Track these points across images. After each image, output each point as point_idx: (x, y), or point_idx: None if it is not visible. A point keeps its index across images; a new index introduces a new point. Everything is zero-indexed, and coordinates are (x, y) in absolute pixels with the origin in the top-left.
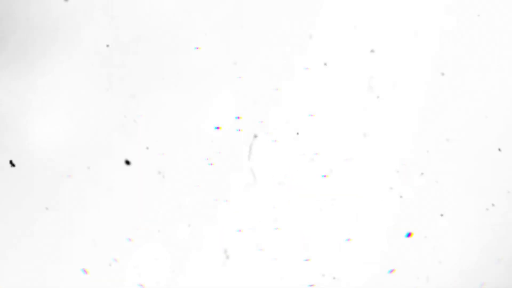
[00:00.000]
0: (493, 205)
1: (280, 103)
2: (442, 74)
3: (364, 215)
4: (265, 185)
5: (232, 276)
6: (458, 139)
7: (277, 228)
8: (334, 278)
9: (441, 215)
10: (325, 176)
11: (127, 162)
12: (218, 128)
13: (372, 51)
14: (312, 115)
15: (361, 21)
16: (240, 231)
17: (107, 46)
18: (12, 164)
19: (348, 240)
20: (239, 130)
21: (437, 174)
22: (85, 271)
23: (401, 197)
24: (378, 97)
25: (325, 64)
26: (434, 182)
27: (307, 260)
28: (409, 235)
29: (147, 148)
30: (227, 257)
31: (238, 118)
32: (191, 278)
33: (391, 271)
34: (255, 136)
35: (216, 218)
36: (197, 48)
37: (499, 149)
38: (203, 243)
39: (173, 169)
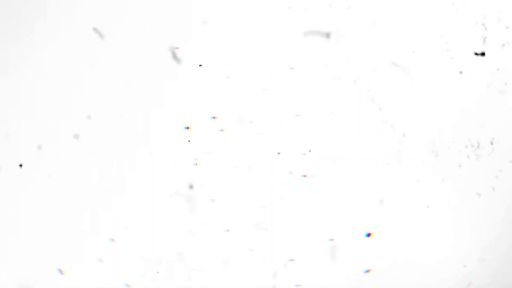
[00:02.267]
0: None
1: (267, 103)
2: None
3: (348, 215)
4: (253, 183)
5: (222, 275)
6: (455, 141)
7: (266, 228)
8: (318, 277)
9: (427, 209)
10: (305, 176)
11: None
12: (188, 128)
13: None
14: (298, 115)
15: (356, 21)
16: (228, 231)
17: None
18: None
19: (331, 240)
20: (222, 130)
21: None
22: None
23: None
24: (370, 97)
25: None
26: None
27: (292, 260)
28: (368, 235)
29: (135, 148)
30: (215, 256)
31: (214, 118)
32: (179, 277)
33: (367, 271)
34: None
35: (203, 218)
36: (177, 48)
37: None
38: (191, 243)
39: (160, 169)
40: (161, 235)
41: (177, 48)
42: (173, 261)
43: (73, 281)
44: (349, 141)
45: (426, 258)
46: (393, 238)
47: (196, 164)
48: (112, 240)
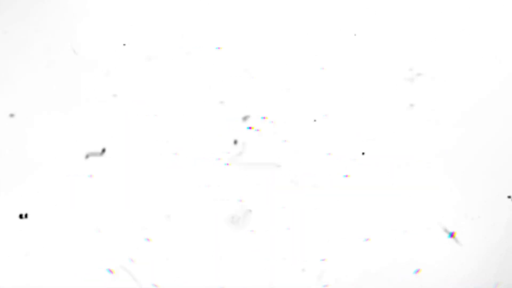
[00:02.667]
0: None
1: (292, 103)
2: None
3: (381, 214)
4: (278, 184)
5: (246, 275)
6: (473, 137)
7: (289, 228)
8: (350, 278)
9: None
10: (346, 176)
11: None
12: (250, 128)
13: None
14: (326, 115)
15: (370, 22)
16: (252, 231)
17: (124, 44)
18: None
19: (367, 240)
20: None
21: (449, 170)
22: (110, 271)
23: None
24: (390, 95)
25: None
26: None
27: (323, 260)
28: (452, 234)
29: (160, 148)
30: (240, 256)
31: (264, 118)
32: (206, 277)
33: (417, 271)
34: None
35: (228, 217)
36: (219, 48)
37: None
38: (217, 242)
39: (186, 169)
40: (186, 236)
41: (219, 48)
42: (198, 261)
43: (103, 281)
44: (380, 140)
45: (453, 258)
46: (422, 237)
47: (227, 164)
48: (148, 240)
